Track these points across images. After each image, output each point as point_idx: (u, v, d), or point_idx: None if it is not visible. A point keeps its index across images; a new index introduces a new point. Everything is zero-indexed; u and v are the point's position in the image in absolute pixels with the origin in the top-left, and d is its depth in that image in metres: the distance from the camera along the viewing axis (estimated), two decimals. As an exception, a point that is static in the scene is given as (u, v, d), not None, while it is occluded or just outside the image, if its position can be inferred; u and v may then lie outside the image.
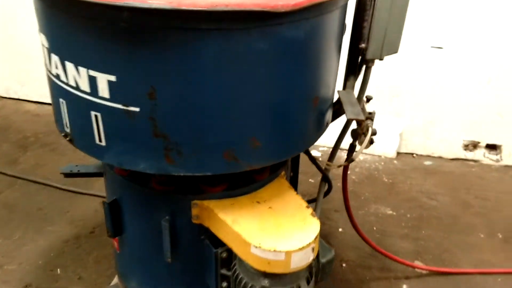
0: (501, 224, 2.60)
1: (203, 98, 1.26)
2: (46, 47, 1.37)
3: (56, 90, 1.42)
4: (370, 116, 1.65)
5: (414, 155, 3.28)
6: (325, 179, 1.89)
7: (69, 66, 1.30)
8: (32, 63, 3.60)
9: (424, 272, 2.25)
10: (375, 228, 2.41)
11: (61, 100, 1.42)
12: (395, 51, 1.68)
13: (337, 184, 2.26)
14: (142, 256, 1.76)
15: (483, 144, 3.15)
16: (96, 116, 1.33)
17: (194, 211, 1.57)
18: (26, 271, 2.20)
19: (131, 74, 1.23)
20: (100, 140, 1.37)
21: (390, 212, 2.67)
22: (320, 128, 1.57)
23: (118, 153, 1.37)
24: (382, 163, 3.16)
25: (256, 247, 1.39)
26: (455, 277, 2.23)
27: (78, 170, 1.84)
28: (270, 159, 1.45)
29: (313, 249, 1.44)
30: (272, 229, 1.46)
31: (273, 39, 1.25)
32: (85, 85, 1.30)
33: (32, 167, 2.94)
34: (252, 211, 1.53)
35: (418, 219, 2.62)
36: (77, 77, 1.30)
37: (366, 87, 1.72)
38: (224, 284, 1.64)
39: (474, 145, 3.17)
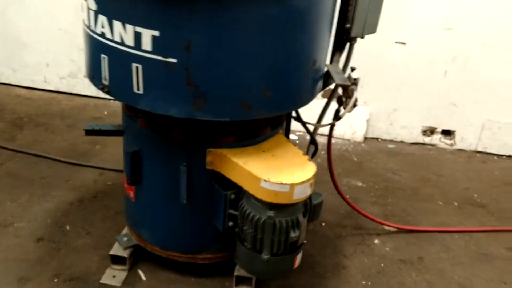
0: (455, 194, 3.00)
1: (229, 52, 1.56)
2: (93, 10, 1.63)
3: (98, 47, 1.68)
4: (355, 82, 1.98)
5: (379, 139, 3.66)
6: (313, 141, 2.22)
7: (117, 24, 1.57)
8: (24, 49, 3.78)
9: (392, 229, 2.60)
10: (348, 196, 2.74)
11: (102, 56, 1.67)
12: (374, 31, 2.02)
13: (317, 160, 2.57)
14: (158, 203, 2.01)
15: (439, 130, 3.57)
16: (137, 67, 1.60)
17: (209, 158, 1.85)
18: (36, 227, 2.39)
19: (171, 30, 1.51)
20: (138, 89, 1.63)
21: (360, 184, 3.02)
22: (314, 91, 1.89)
23: (153, 99, 1.64)
24: (352, 146, 3.52)
25: (265, 180, 1.69)
26: (418, 234, 2.59)
27: (100, 128, 2.08)
28: (276, 110, 1.76)
29: (311, 184, 1.75)
30: (277, 169, 1.76)
31: (286, 5, 1.56)
32: (130, 40, 1.56)
33: (30, 143, 3.11)
34: (259, 156, 1.83)
35: (385, 190, 2.98)
36: (123, 33, 1.57)
37: (350, 60, 2.06)
38: (231, 223, 1.92)
39: (432, 131, 3.59)
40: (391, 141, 3.65)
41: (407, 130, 3.61)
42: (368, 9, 1.94)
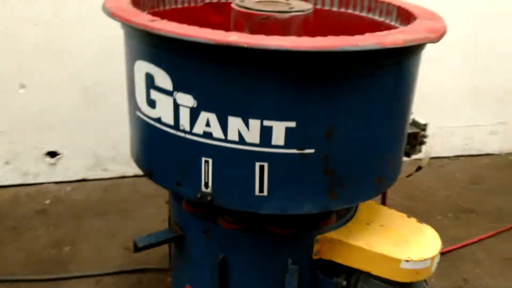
0: (444, 205, 3.11)
1: (369, 129, 1.35)
2: (189, 106, 1.28)
3: (195, 150, 1.33)
4: (424, 127, 1.88)
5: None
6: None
7: (234, 121, 1.26)
8: None
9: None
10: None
11: (204, 159, 1.33)
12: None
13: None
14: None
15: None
16: (261, 166, 1.30)
17: (316, 247, 1.60)
18: None
19: (311, 117, 1.26)
20: (261, 191, 1.33)
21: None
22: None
23: (282, 199, 1.36)
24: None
25: (407, 261, 1.51)
26: (447, 255, 2.60)
27: (156, 240, 1.67)
28: (396, 176, 1.58)
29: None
30: (404, 243, 1.59)
31: (404, 72, 1.40)
32: (254, 137, 1.27)
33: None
34: (372, 232, 1.64)
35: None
36: (243, 131, 1.26)
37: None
38: (338, 311, 1.69)
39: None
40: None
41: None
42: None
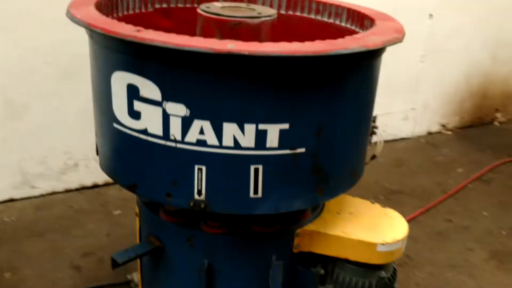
0: (375, 188, 3.33)
1: (350, 125, 1.45)
2: (181, 116, 1.27)
3: (188, 159, 1.33)
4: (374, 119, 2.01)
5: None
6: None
7: (229, 127, 1.27)
8: None
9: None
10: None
11: (197, 167, 1.33)
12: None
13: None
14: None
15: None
16: (256, 169, 1.33)
17: (297, 241, 1.66)
18: None
19: (303, 118, 1.32)
20: (255, 193, 1.36)
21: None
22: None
23: (275, 199, 1.40)
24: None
25: (383, 244, 1.62)
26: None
27: (136, 254, 1.62)
28: (363, 168, 1.69)
29: (406, 232, 1.75)
30: (375, 227, 1.71)
31: (375, 71, 1.50)
32: (249, 142, 1.30)
33: None
34: (344, 220, 1.73)
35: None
36: (238, 136, 1.28)
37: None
38: (317, 300, 1.77)
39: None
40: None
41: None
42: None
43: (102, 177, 3.12)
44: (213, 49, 1.14)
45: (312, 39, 1.26)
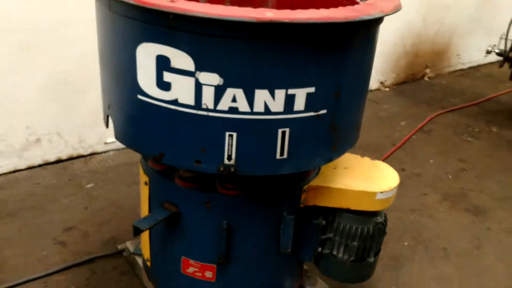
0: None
1: (360, 85, 1.57)
2: (216, 85, 1.32)
3: (219, 127, 1.39)
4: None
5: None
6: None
7: (260, 93, 1.34)
8: None
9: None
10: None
11: (228, 133, 1.39)
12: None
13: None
14: (252, 265, 1.81)
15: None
16: (283, 132, 1.42)
17: (303, 196, 1.79)
18: None
19: (326, 81, 1.42)
20: (282, 154, 1.46)
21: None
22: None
23: (298, 159, 1.50)
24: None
25: (381, 192, 1.79)
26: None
27: (156, 219, 1.66)
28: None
29: (396, 182, 1.94)
30: (370, 178, 1.87)
31: (377, 35, 1.62)
32: (278, 106, 1.38)
33: None
34: (342, 174, 1.87)
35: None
36: (269, 101, 1.36)
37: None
38: (319, 249, 1.93)
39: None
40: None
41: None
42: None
43: (65, 152, 3.04)
44: (256, 18, 1.20)
45: (308, 7, 1.35)
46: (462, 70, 5.50)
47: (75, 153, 3.09)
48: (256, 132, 1.40)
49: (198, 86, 1.33)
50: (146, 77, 1.38)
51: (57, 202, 2.70)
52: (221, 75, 1.32)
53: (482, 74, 5.42)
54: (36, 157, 2.96)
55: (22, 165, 2.93)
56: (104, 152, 3.21)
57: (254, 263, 1.82)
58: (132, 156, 3.17)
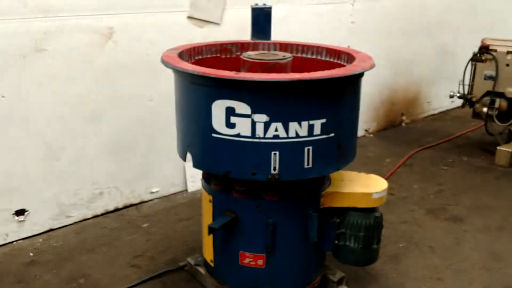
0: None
1: (354, 117, 2.39)
2: (263, 121, 2.12)
3: (267, 149, 2.17)
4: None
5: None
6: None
7: (293, 125, 2.15)
8: None
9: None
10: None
11: (273, 153, 2.18)
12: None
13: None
14: (293, 253, 2.53)
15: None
16: (308, 149, 2.21)
17: (322, 199, 2.54)
18: None
19: (333, 115, 2.23)
20: (308, 164, 2.24)
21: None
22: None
23: (318, 167, 2.28)
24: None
25: (376, 192, 2.56)
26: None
27: (225, 221, 2.40)
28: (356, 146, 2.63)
29: (385, 185, 2.71)
30: (367, 185, 2.63)
31: (361, 84, 2.46)
32: (304, 132, 2.17)
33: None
34: (348, 184, 2.64)
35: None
36: (298, 129, 2.16)
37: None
38: (336, 241, 2.65)
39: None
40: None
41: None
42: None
43: (121, 201, 3.78)
44: (288, 78, 2.03)
45: (308, 70, 2.20)
46: (433, 115, 6.41)
47: (128, 202, 3.82)
48: (291, 150, 2.19)
49: (253, 123, 2.13)
50: (218, 121, 2.18)
51: (122, 239, 3.40)
52: (267, 115, 2.12)
53: (451, 117, 6.33)
54: (99, 207, 3.68)
55: (89, 214, 3.64)
56: (150, 200, 3.95)
57: (293, 251, 2.54)
58: (172, 201, 3.92)
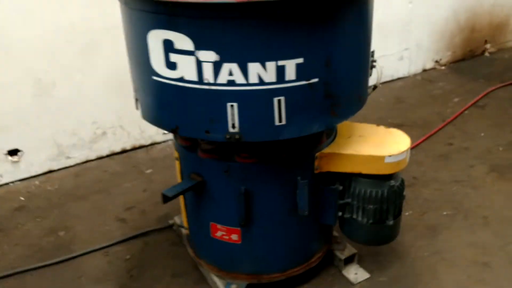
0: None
1: (354, 56, 1.70)
2: (213, 61, 1.53)
3: (221, 98, 1.58)
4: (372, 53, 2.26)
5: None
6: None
7: (253, 66, 1.53)
8: None
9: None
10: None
11: (230, 104, 1.59)
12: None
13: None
14: (274, 228, 2.00)
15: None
16: (279, 100, 1.59)
17: (317, 162, 1.94)
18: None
19: (315, 51, 1.57)
20: (280, 121, 1.63)
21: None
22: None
23: (297, 124, 1.66)
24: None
25: (390, 156, 1.90)
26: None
27: (182, 188, 1.90)
28: (367, 94, 1.95)
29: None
30: (382, 144, 1.98)
31: (369, 8, 1.74)
32: (271, 77, 1.55)
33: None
34: (355, 142, 2.00)
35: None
36: (262, 73, 1.54)
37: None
38: (340, 213, 2.06)
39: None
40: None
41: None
42: None
43: (129, 142, 3.40)
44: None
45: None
46: (528, 43, 5.26)
47: (137, 144, 3.44)
48: (254, 101, 1.59)
49: (199, 63, 1.55)
50: (156, 60, 1.62)
51: (121, 186, 3.05)
52: (216, 52, 1.52)
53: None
54: (103, 148, 3.33)
55: (92, 156, 3.32)
56: (163, 141, 3.53)
57: (277, 226, 2.00)
58: (187, 144, 3.47)
